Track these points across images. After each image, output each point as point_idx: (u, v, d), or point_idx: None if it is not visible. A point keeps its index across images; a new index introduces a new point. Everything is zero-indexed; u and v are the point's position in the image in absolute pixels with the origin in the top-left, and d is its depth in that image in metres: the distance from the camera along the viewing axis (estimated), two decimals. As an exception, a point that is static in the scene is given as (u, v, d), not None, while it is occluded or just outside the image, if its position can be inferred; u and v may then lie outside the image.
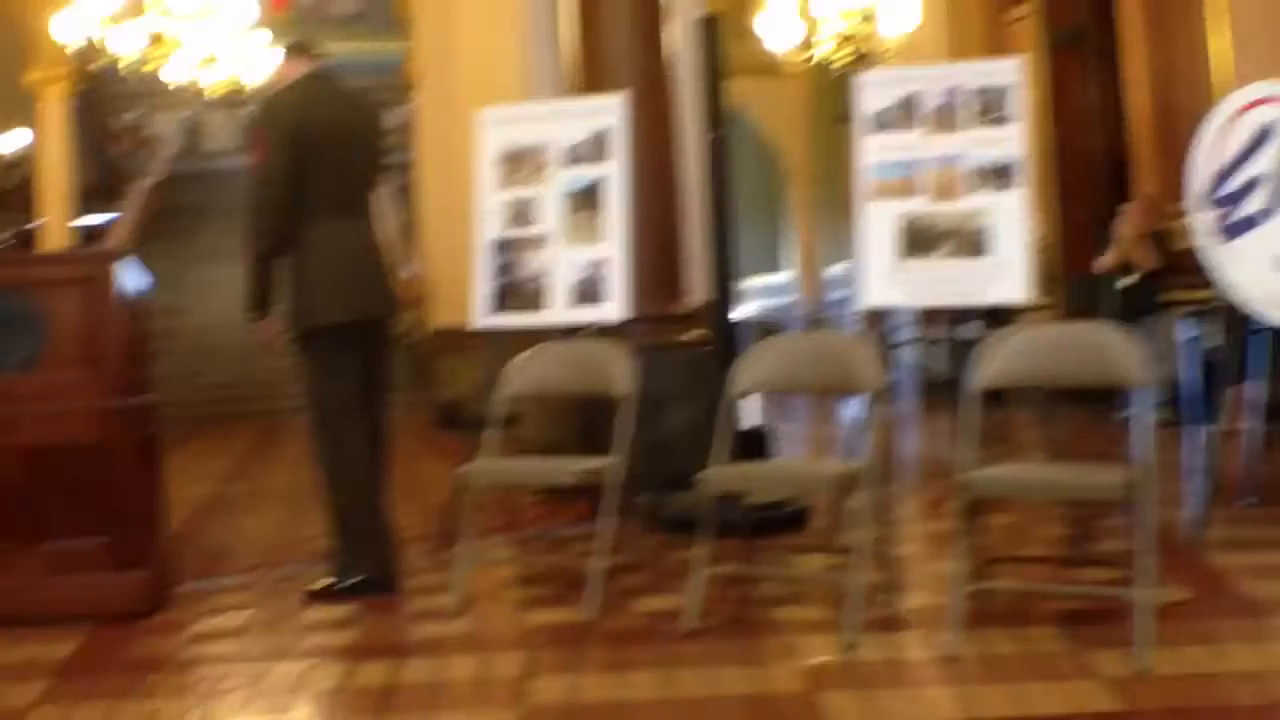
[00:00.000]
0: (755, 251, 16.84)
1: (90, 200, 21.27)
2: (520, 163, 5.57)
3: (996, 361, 3.83)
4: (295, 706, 3.40)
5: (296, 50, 4.87)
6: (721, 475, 4.04)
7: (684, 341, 6.24)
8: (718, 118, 5.59)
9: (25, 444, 4.38)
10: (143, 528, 4.50)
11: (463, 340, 11.05)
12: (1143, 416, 3.76)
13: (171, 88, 11.98)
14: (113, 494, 4.41)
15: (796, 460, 4.64)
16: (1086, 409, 6.98)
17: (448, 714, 3.26)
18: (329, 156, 4.58)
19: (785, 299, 17.65)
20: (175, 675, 3.79)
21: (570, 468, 4.30)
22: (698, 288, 6.57)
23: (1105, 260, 8.45)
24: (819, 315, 16.66)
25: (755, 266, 16.50)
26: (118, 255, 4.62)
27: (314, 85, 4.75)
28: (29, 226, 16.83)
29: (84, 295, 4.45)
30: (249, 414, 13.94)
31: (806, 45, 10.84)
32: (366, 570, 4.55)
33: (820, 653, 3.57)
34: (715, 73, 5.59)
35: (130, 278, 4.63)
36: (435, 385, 12.10)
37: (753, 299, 15.09)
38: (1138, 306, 7.92)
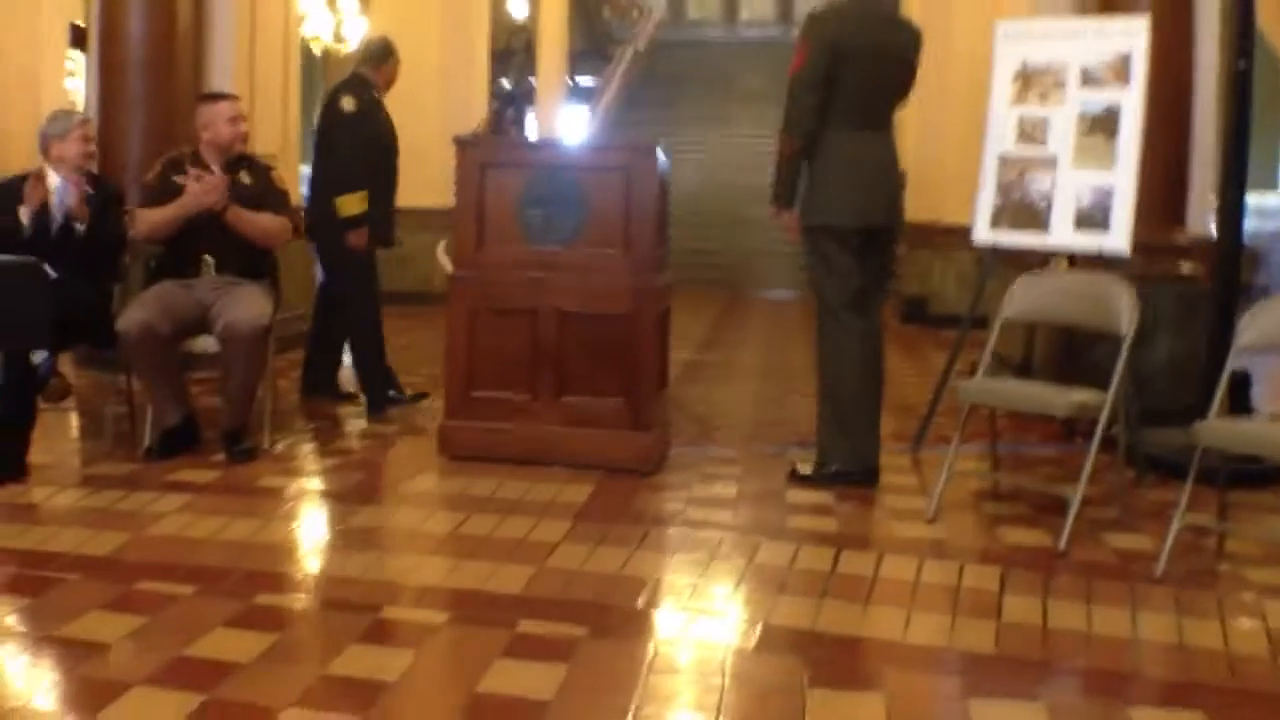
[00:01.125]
0: (1251, 168, 15.60)
1: (580, 61, 22.59)
2: (1035, 80, 5.55)
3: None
4: (788, 585, 3.71)
5: None
6: (1217, 430, 3.97)
7: (1180, 275, 6.06)
8: (1246, 47, 5.30)
9: (562, 308, 4.95)
10: (653, 393, 5.00)
11: (933, 236, 11.15)
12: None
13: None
14: (632, 361, 4.92)
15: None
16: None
17: (924, 614, 3.46)
18: (858, 72, 4.83)
19: (1271, 225, 16.39)
20: (679, 535, 4.19)
21: (1064, 399, 4.36)
22: (1198, 218, 6.35)
23: None
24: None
25: (1251, 183, 15.32)
26: (652, 148, 5.03)
27: (857, 6, 4.98)
28: (531, 81, 18.19)
29: (623, 182, 4.93)
30: (722, 282, 14.51)
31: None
32: (847, 462, 4.87)
33: (1285, 617, 3.52)
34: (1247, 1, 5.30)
35: (659, 166, 5.07)
36: (901, 277, 12.20)
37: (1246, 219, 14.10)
38: None
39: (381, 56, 6.37)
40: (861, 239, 4.94)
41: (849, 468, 4.90)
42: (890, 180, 5.02)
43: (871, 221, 4.94)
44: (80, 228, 5.07)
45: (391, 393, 6.36)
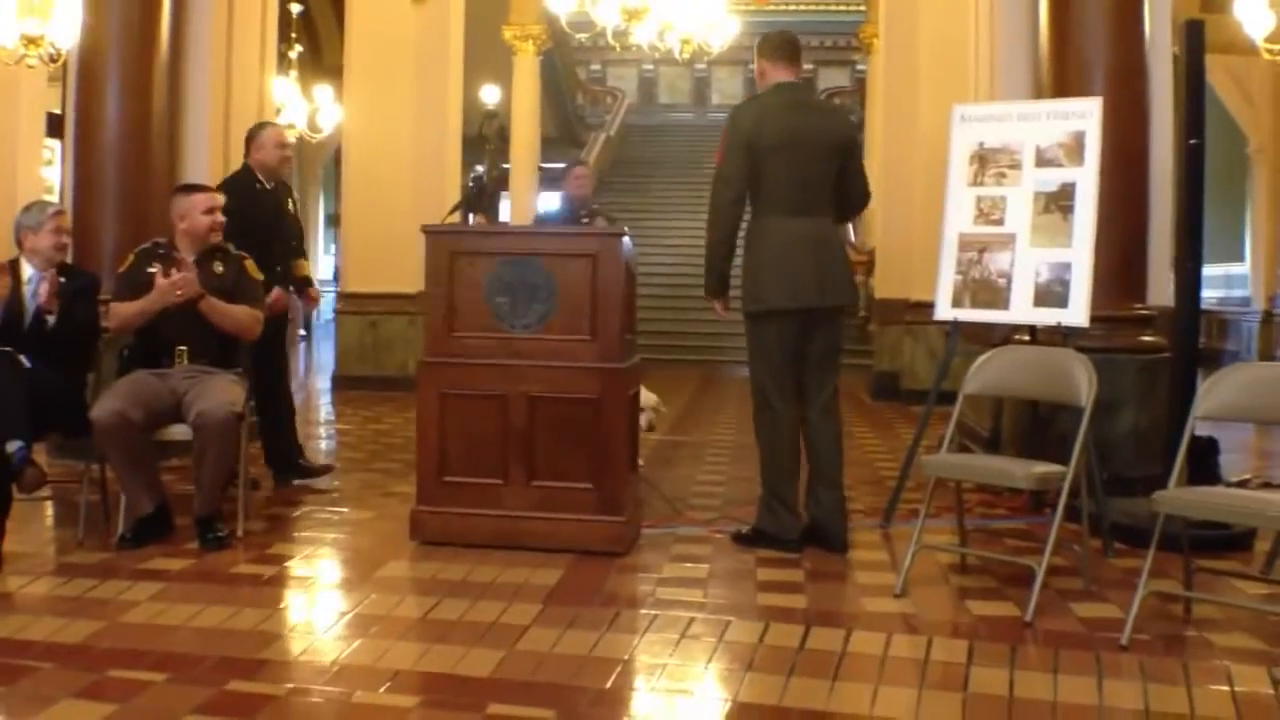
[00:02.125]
0: (1209, 238, 15.83)
1: (552, 147, 22.88)
2: (991, 160, 5.69)
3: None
4: (756, 662, 3.73)
5: (770, 55, 5.32)
6: (1177, 498, 4.04)
7: (1140, 345, 6.17)
8: (1198, 123, 5.45)
9: (531, 393, 5.01)
10: (623, 476, 5.04)
11: (902, 313, 11.30)
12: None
13: (629, 45, 12.53)
14: (602, 444, 4.97)
15: (1254, 494, 4.51)
16: None
17: (892, 688, 3.49)
18: (780, 163, 5.09)
19: (1239, 291, 16.66)
20: (647, 614, 4.21)
21: (1026, 471, 4.44)
22: (1158, 290, 6.47)
23: None
24: (1272, 312, 15.66)
25: (1209, 254, 15.56)
26: (621, 233, 5.13)
27: (778, 96, 5.23)
28: (505, 166, 18.43)
29: (590, 268, 5.02)
30: (695, 363, 14.62)
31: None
32: (771, 526, 5.15)
33: (1251, 683, 3.56)
34: (1199, 78, 5.45)
35: (628, 251, 5.16)
36: (873, 354, 12.34)
37: (1204, 288, 14.32)
38: None
39: (248, 140, 6.57)
40: (799, 323, 5.12)
41: (768, 530, 5.16)
42: (825, 262, 5.17)
43: (803, 303, 5.11)
44: (51, 319, 5.12)
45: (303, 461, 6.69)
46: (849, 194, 5.31)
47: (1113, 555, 5.10)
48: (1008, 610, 4.29)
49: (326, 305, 15.38)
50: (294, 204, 6.79)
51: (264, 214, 6.26)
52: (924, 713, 3.32)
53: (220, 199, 5.59)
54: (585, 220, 7.37)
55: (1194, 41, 5.44)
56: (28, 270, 5.21)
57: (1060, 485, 4.40)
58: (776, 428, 5.18)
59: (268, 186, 6.46)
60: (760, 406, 5.23)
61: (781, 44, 5.36)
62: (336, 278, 19.65)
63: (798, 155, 5.12)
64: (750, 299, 5.19)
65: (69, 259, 5.44)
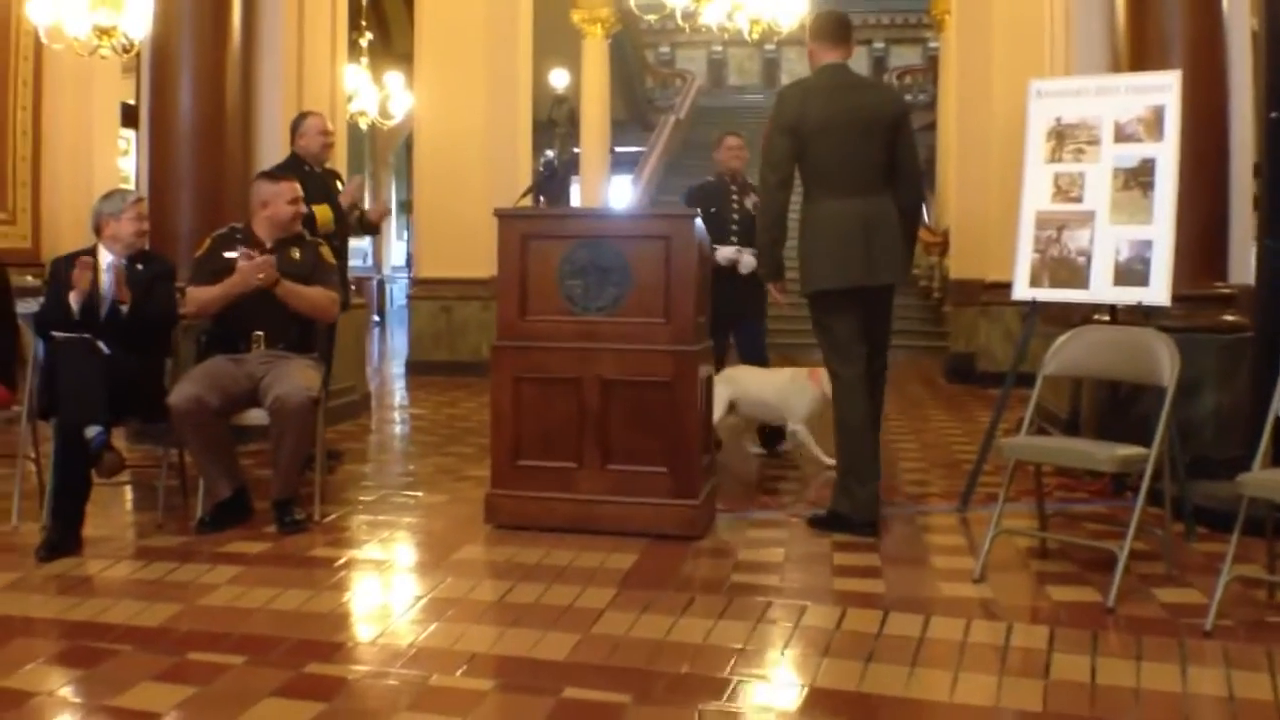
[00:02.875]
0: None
1: (622, 130, 22.86)
2: (1069, 136, 5.59)
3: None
4: (834, 648, 3.70)
5: (819, 36, 5.38)
6: (1261, 480, 3.94)
7: (1223, 324, 6.04)
8: (1278, 96, 5.31)
9: (605, 376, 5.00)
10: (697, 459, 5.02)
11: (977, 294, 11.15)
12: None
13: (698, 27, 12.47)
14: (676, 428, 4.95)
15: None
16: None
17: (972, 674, 3.45)
18: (826, 145, 5.11)
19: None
20: (724, 600, 4.18)
21: (1108, 454, 4.36)
22: (1239, 267, 6.32)
23: None
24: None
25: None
26: (693, 214, 5.10)
27: (822, 78, 5.26)
28: (575, 151, 18.44)
29: (663, 250, 4.99)
30: (771, 346, 14.51)
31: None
32: (846, 507, 5.07)
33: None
34: (1279, 49, 5.31)
35: (700, 233, 5.14)
36: (948, 335, 12.20)
37: None
38: None
39: (293, 129, 6.78)
40: (853, 300, 5.12)
41: (844, 512, 5.10)
42: (877, 241, 5.14)
43: (852, 281, 5.10)
44: (124, 309, 5.19)
45: None
46: (901, 171, 5.26)
47: (1195, 539, 5.00)
48: (1089, 596, 4.21)
49: (400, 291, 15.50)
50: (341, 186, 6.91)
51: (314, 199, 6.32)
52: (1005, 699, 3.27)
53: (300, 189, 5.65)
54: (735, 195, 7.17)
55: (1274, 12, 5.33)
56: (106, 258, 5.28)
57: (1142, 468, 4.32)
58: (850, 404, 5.15)
59: (316, 171, 6.61)
60: (834, 381, 5.25)
61: (831, 24, 5.38)
62: (409, 264, 19.83)
63: (845, 135, 5.11)
64: (803, 280, 5.23)
65: (146, 247, 5.50)
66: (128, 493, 5.88)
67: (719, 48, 29.03)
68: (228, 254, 5.34)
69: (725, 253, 6.84)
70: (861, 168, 5.14)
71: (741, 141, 7.49)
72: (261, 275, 5.23)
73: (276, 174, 5.78)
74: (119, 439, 5.88)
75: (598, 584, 4.32)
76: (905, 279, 5.38)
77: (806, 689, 3.35)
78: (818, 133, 5.10)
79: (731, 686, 3.37)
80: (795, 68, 29.39)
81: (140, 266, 5.31)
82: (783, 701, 3.29)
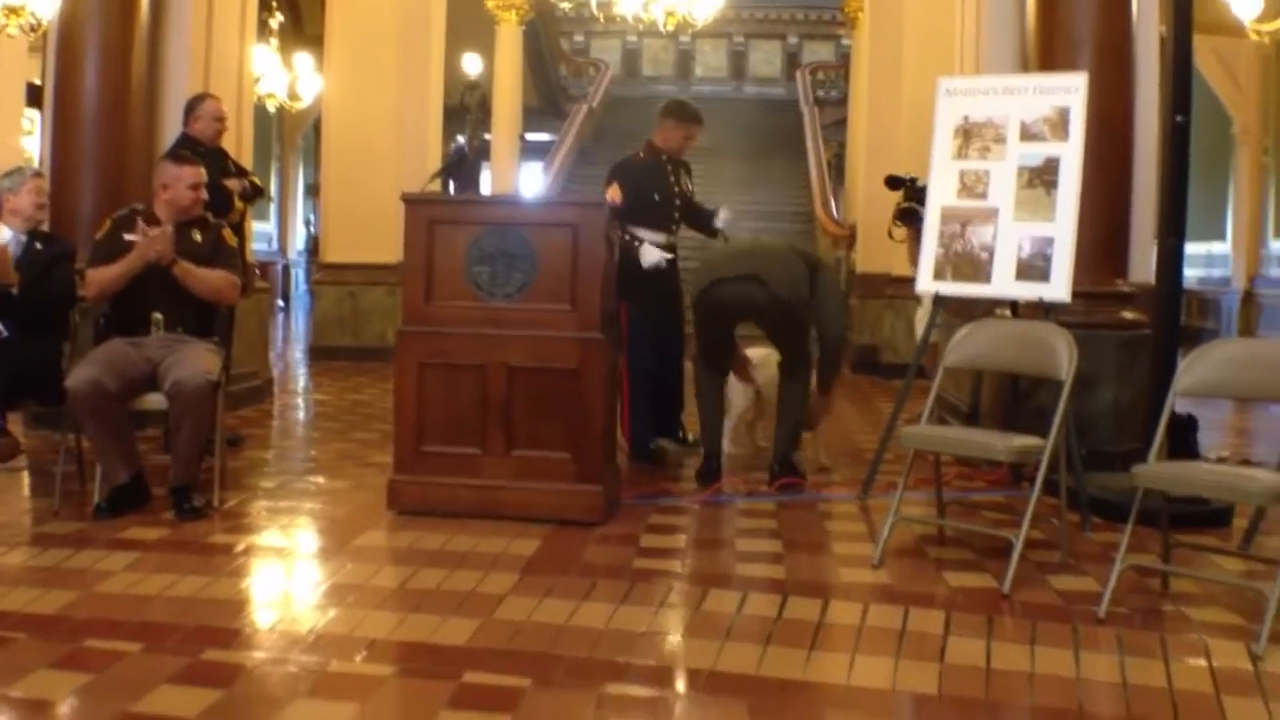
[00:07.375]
0: (1191, 216, 15.85)
1: (534, 117, 22.77)
2: (976, 134, 5.68)
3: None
4: (733, 631, 3.73)
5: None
6: (1156, 473, 4.05)
7: (1121, 321, 6.18)
8: (1183, 102, 5.42)
9: (511, 363, 4.98)
10: (600, 446, 5.02)
11: (883, 287, 11.29)
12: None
13: (613, 17, 12.46)
14: (581, 415, 4.95)
15: (1231, 469, 4.52)
16: None
17: (869, 658, 3.50)
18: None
19: (1220, 270, 16.70)
20: (626, 585, 4.19)
21: (1006, 444, 4.45)
22: (1140, 266, 6.47)
23: None
24: (1252, 292, 15.72)
25: (1191, 232, 15.60)
26: (600, 203, 5.10)
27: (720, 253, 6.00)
28: (486, 137, 18.30)
29: (571, 238, 4.98)
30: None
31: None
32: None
33: (1228, 657, 3.57)
34: (1185, 56, 5.43)
35: (606, 221, 5.13)
36: (853, 328, 12.33)
37: (1186, 267, 14.39)
38: None
39: (188, 111, 6.82)
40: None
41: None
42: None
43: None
44: (13, 290, 5.07)
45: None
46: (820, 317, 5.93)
47: (1090, 529, 5.12)
48: (985, 582, 4.29)
49: (303, 275, 15.28)
50: (230, 166, 6.90)
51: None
52: (901, 682, 3.32)
53: (204, 174, 5.54)
54: (673, 176, 6.76)
55: (1181, 19, 5.42)
56: (5, 233, 5.15)
57: (1039, 459, 4.40)
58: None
59: (208, 150, 6.52)
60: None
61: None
62: (314, 248, 19.56)
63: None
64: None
65: (46, 226, 5.38)
66: (24, 478, 5.75)
67: (634, 38, 29.02)
68: (128, 236, 5.22)
69: (651, 257, 6.41)
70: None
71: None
72: (159, 248, 5.11)
73: (182, 156, 5.67)
74: (15, 424, 5.74)
75: (500, 569, 4.31)
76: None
77: (706, 672, 3.37)
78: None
79: (632, 670, 3.38)
80: (709, 60, 29.58)
81: (39, 246, 5.19)
82: (683, 685, 3.31)
